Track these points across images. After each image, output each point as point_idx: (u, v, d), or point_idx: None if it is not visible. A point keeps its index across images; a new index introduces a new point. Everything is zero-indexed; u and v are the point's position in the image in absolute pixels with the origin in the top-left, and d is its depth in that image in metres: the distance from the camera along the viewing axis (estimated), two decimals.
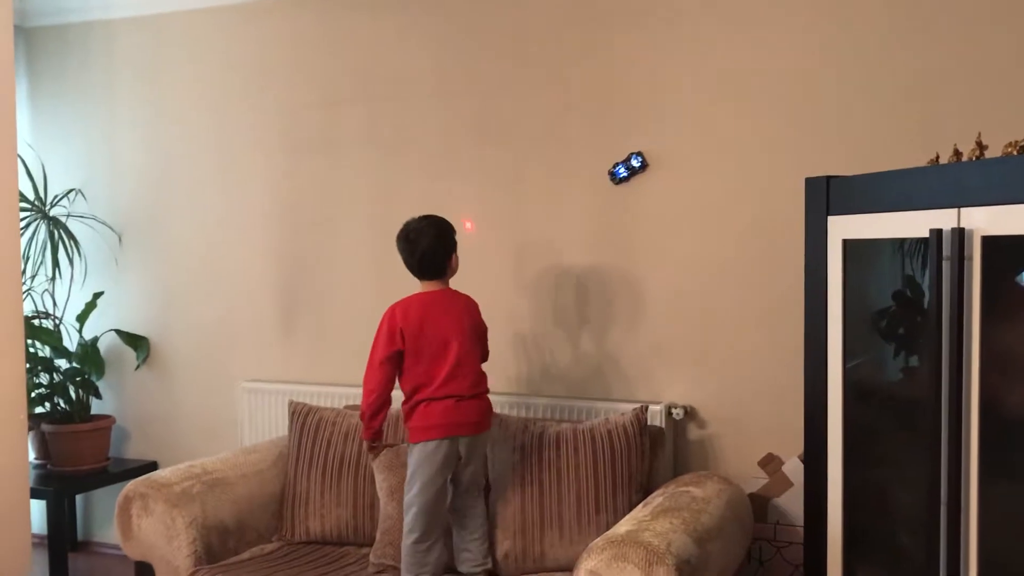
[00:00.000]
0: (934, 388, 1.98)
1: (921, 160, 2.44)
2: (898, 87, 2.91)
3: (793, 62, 3.03)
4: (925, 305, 2.09)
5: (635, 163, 3.19)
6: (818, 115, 3.00)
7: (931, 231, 1.98)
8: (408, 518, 2.70)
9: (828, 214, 2.36)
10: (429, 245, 2.76)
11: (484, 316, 3.41)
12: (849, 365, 2.35)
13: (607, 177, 3.27)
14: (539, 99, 3.37)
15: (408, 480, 2.73)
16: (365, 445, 2.89)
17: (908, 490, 2.27)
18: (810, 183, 2.40)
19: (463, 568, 2.78)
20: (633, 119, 3.24)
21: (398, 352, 2.71)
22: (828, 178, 2.36)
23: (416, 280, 2.86)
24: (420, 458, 2.69)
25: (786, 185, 3.02)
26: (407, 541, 2.70)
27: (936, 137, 2.67)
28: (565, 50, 3.33)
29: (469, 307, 2.85)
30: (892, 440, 2.39)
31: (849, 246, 2.31)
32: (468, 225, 3.46)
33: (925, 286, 2.07)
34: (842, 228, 2.32)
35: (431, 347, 2.71)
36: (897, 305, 2.37)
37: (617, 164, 3.21)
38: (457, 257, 2.85)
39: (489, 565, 2.79)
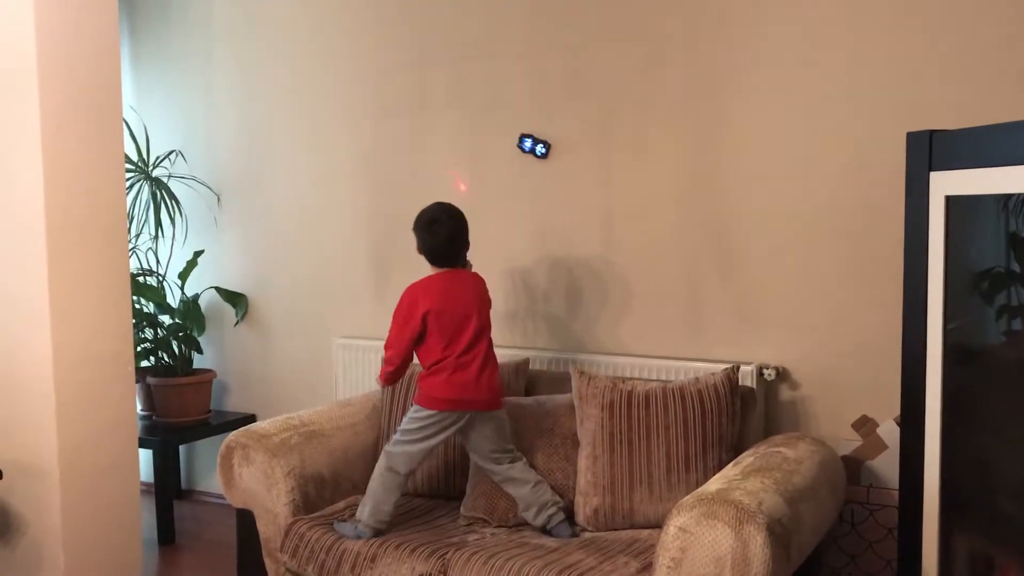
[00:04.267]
0: None
1: None
2: (1005, 33, 2.78)
3: (895, 7, 2.92)
4: None
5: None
6: (921, 65, 2.90)
7: None
8: (394, 454, 2.83)
9: (930, 169, 2.28)
10: (450, 233, 2.89)
11: (573, 274, 3.44)
12: (950, 327, 2.29)
13: (696, 132, 3.22)
14: (627, 53, 3.33)
15: (405, 428, 2.85)
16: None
17: (1010, 455, 2.21)
18: (912, 137, 2.33)
19: (538, 521, 2.82)
20: (725, 71, 3.18)
21: (419, 334, 2.84)
22: (931, 132, 2.29)
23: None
24: (421, 419, 2.82)
25: (885, 138, 2.93)
26: (386, 468, 2.83)
27: None
28: (653, 2, 3.28)
29: (480, 284, 2.96)
30: (993, 404, 2.33)
31: (952, 203, 2.24)
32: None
33: None
34: (945, 184, 2.24)
35: (452, 324, 2.83)
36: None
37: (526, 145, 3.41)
38: (468, 247, 2.97)
39: (559, 501, 2.84)
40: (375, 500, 2.83)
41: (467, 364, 2.81)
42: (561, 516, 2.82)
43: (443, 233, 2.88)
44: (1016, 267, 2.22)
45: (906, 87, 2.92)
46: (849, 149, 3.02)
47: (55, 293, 2.89)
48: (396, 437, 2.88)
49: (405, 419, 2.88)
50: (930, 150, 2.28)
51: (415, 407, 2.87)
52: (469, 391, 2.81)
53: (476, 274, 3.00)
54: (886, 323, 2.94)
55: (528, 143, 3.51)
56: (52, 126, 2.87)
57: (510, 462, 2.88)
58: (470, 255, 3.02)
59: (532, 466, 2.92)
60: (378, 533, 2.79)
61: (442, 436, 2.85)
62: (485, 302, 2.94)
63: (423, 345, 2.86)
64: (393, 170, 3.87)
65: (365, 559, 2.69)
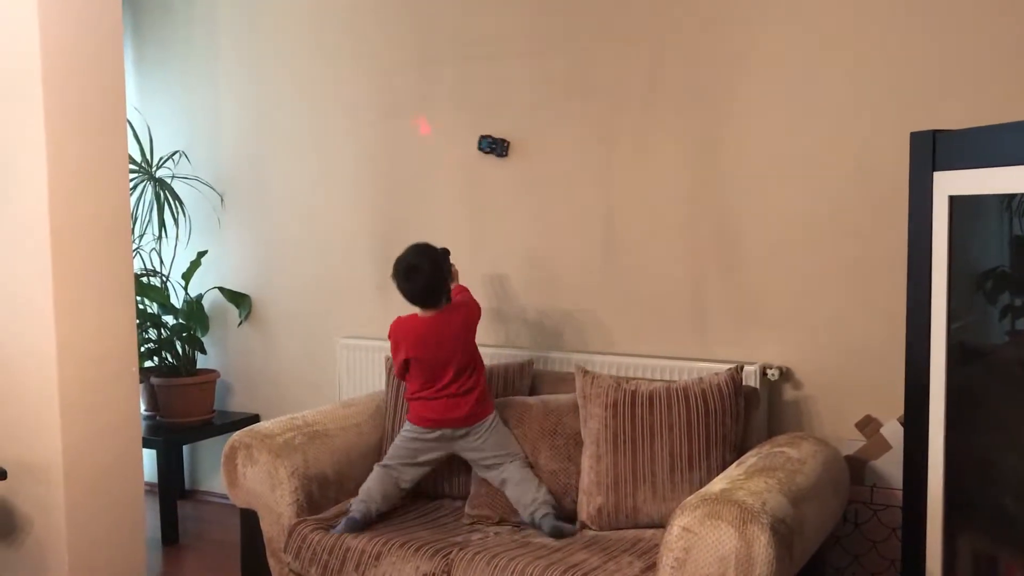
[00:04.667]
0: None
1: None
2: (1009, 33, 2.78)
3: (898, 7, 2.92)
4: None
5: None
6: (924, 64, 2.89)
7: None
8: (391, 467, 2.96)
9: (934, 169, 2.28)
10: (427, 281, 2.93)
11: (576, 273, 3.43)
12: (953, 326, 2.28)
13: (699, 131, 3.22)
14: (630, 54, 3.33)
15: (396, 444, 3.01)
16: None
17: (1014, 455, 2.21)
18: (915, 137, 2.33)
19: (524, 515, 2.86)
20: (727, 71, 3.18)
21: (405, 372, 3.03)
22: (934, 132, 2.29)
23: None
24: (409, 431, 2.99)
25: (889, 138, 2.93)
26: (380, 466, 2.98)
27: None
28: (656, 2, 3.28)
29: (463, 318, 3.00)
30: (997, 404, 2.33)
31: (955, 203, 2.24)
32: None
33: None
34: (949, 184, 2.24)
35: (432, 368, 2.95)
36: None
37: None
38: (450, 283, 3.05)
39: (542, 497, 2.85)
40: (367, 488, 2.91)
41: (446, 396, 2.93)
42: (545, 509, 2.83)
43: (420, 282, 2.93)
44: (1020, 267, 2.22)
45: (909, 87, 2.92)
46: (853, 149, 3.01)
47: (59, 293, 2.90)
48: (390, 452, 2.99)
49: (398, 437, 3.02)
50: (934, 150, 2.28)
51: (406, 423, 3.01)
52: (446, 412, 2.92)
53: (459, 307, 3.02)
54: (890, 323, 2.94)
55: (486, 144, 3.59)
56: (56, 127, 2.88)
57: (509, 463, 2.91)
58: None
59: (535, 465, 2.93)
60: (367, 517, 2.83)
61: (432, 454, 2.96)
62: (468, 335, 3.00)
63: (408, 375, 3.02)
64: (396, 170, 3.87)
65: (369, 557, 2.69)
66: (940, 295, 2.29)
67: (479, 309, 3.10)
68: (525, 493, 2.86)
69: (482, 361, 3.04)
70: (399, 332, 3.00)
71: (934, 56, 2.87)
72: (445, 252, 3.23)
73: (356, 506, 2.86)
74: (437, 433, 2.94)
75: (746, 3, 3.14)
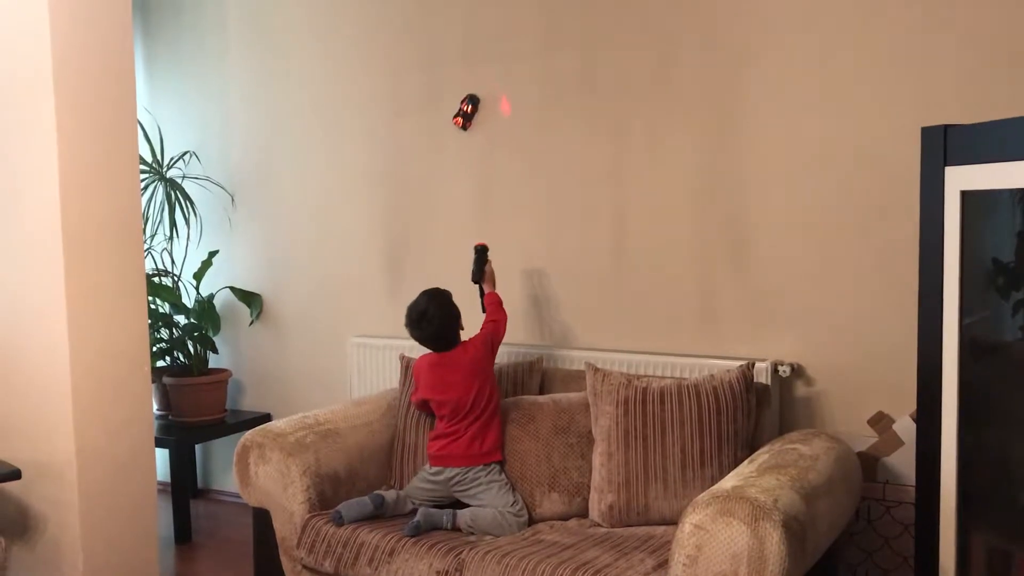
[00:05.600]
0: None
1: None
2: (1019, 26, 2.76)
3: (907, 1, 2.91)
4: None
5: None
6: (934, 59, 2.88)
7: None
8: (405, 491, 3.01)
9: (946, 164, 2.27)
10: (437, 329, 3.05)
11: (586, 271, 3.42)
12: (966, 322, 2.27)
13: (710, 128, 3.22)
14: (641, 52, 3.32)
15: (413, 480, 3.06)
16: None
17: None
18: (927, 132, 2.32)
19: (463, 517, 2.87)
20: (737, 68, 3.17)
21: (423, 409, 3.17)
22: (946, 127, 2.28)
23: None
24: (422, 473, 3.05)
25: (900, 133, 2.92)
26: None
27: None
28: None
29: (471, 356, 3.05)
30: (1011, 399, 2.31)
31: (967, 197, 2.23)
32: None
33: None
34: (960, 179, 2.23)
35: (446, 408, 3.02)
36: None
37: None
38: (461, 325, 3.13)
39: (475, 526, 2.85)
40: (354, 501, 2.90)
41: (460, 433, 2.98)
42: (462, 518, 2.85)
43: (431, 330, 3.05)
44: None
45: (920, 81, 2.90)
46: (864, 144, 3.00)
47: (71, 294, 2.91)
48: (407, 488, 3.04)
49: (415, 477, 3.09)
50: (945, 145, 2.27)
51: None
52: (452, 449, 2.98)
53: (468, 346, 3.08)
54: (902, 319, 2.93)
55: (468, 105, 3.67)
56: (67, 128, 2.89)
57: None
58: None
59: (550, 464, 2.94)
60: (338, 517, 2.85)
61: (438, 499, 2.98)
62: (478, 372, 3.02)
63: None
64: (406, 168, 3.87)
65: (383, 553, 2.70)
66: (952, 291, 2.28)
67: (502, 327, 3.16)
68: (483, 512, 2.86)
69: (496, 407, 3.04)
70: (417, 373, 3.13)
71: (946, 50, 2.86)
72: (483, 248, 3.33)
73: (340, 510, 2.86)
74: (442, 476, 2.97)
75: (756, 3, 3.14)
